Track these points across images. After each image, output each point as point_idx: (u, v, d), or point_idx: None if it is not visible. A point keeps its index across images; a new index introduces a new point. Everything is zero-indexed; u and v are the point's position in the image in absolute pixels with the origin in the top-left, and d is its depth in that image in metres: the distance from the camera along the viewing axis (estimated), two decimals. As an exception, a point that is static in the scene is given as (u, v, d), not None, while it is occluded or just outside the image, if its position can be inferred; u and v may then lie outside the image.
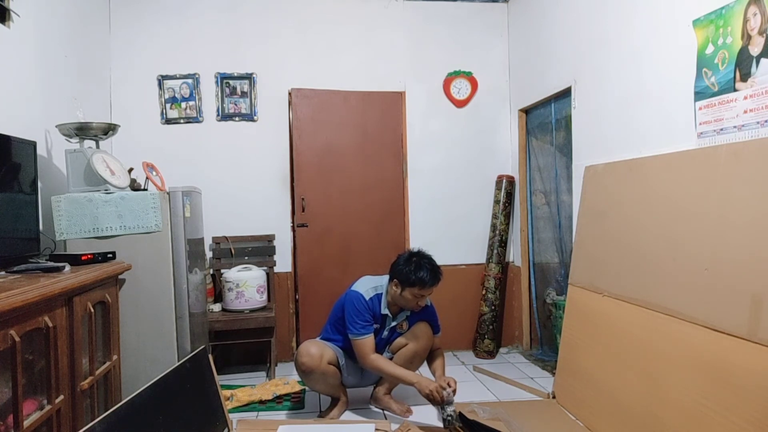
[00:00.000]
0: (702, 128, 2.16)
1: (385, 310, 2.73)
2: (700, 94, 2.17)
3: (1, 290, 1.51)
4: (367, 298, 2.69)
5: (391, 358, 2.78)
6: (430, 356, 2.87)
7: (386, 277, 2.77)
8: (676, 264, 2.14)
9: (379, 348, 2.77)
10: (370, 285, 2.76)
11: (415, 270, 2.59)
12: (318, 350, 2.67)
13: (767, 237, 1.75)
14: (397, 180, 4.05)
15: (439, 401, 2.48)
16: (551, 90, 3.48)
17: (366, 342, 2.66)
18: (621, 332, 2.43)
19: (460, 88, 4.11)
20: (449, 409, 2.47)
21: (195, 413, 2.17)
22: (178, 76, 3.78)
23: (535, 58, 3.73)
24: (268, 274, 3.73)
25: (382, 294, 2.74)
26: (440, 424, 2.64)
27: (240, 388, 3.12)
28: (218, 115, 3.84)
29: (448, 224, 4.09)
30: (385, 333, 2.78)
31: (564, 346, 2.91)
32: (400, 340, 2.79)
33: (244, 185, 3.84)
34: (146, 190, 2.82)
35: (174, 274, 2.60)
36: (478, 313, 3.99)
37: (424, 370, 2.93)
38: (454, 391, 2.50)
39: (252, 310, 3.46)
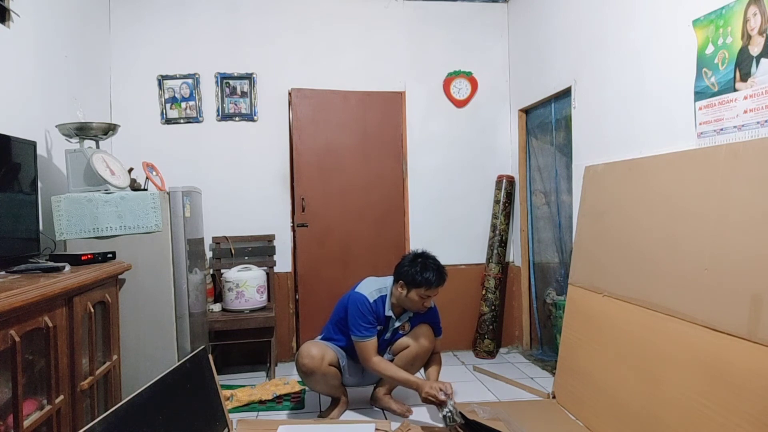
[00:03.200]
0: (702, 128, 2.16)
1: (389, 312, 2.73)
2: (700, 94, 2.17)
3: (1, 290, 1.51)
4: (371, 301, 2.69)
5: (392, 360, 2.78)
6: (428, 359, 2.87)
7: (390, 279, 2.77)
8: (676, 264, 2.14)
9: (381, 349, 2.78)
10: (374, 287, 2.75)
11: (421, 271, 2.59)
12: (319, 351, 2.67)
13: (767, 237, 1.75)
14: (397, 180, 4.05)
15: (436, 402, 2.50)
16: (551, 90, 3.48)
17: (369, 344, 2.66)
18: (621, 332, 2.43)
19: (460, 88, 4.11)
20: (446, 409, 2.48)
21: (195, 413, 2.17)
22: (178, 76, 3.78)
23: (535, 58, 3.73)
24: (268, 274, 3.73)
25: (386, 296, 2.74)
26: (440, 424, 2.65)
27: (240, 388, 3.12)
28: (218, 115, 3.84)
29: (448, 224, 4.09)
30: (388, 334, 2.78)
31: (564, 346, 2.90)
32: (401, 342, 2.79)
33: (244, 185, 3.84)
34: (146, 190, 2.82)
35: (174, 274, 2.60)
36: (478, 313, 3.99)
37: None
38: (447, 392, 2.52)
39: (252, 310, 3.46)
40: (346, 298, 2.78)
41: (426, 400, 2.55)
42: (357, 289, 2.75)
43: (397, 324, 2.77)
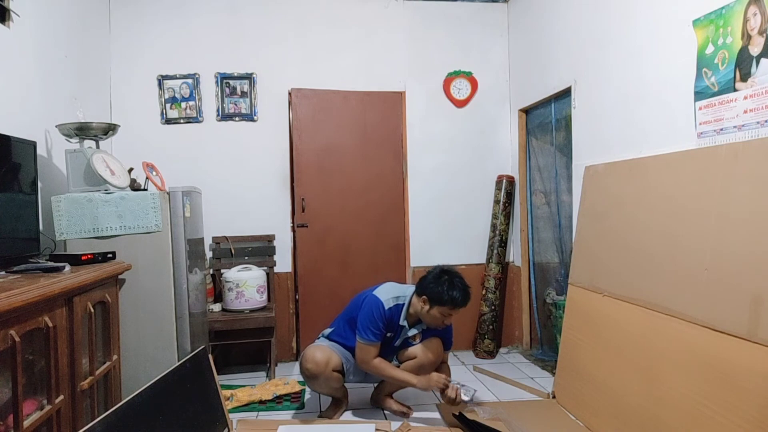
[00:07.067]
0: (702, 128, 2.16)
1: (403, 322, 2.71)
2: (700, 94, 2.17)
3: (1, 290, 1.51)
4: (386, 307, 2.66)
5: (397, 366, 2.77)
6: (437, 369, 2.86)
7: (410, 288, 2.75)
8: (676, 264, 2.14)
9: (389, 355, 2.76)
10: (392, 294, 2.72)
11: (448, 289, 2.55)
12: (324, 357, 2.65)
13: (767, 237, 1.75)
14: (397, 180, 4.04)
15: (443, 387, 2.58)
16: (551, 90, 3.48)
17: (371, 349, 2.65)
18: (621, 332, 2.43)
19: (460, 88, 4.11)
20: (466, 393, 2.58)
21: (195, 413, 2.17)
22: (178, 76, 3.78)
23: (535, 58, 3.73)
24: (268, 274, 3.73)
25: (402, 305, 2.70)
26: (441, 423, 2.65)
27: (240, 388, 3.12)
28: (218, 115, 3.84)
29: (448, 224, 4.09)
30: (398, 342, 2.76)
31: (564, 346, 2.90)
32: (410, 351, 2.76)
33: (244, 185, 3.84)
34: (146, 190, 2.81)
35: (174, 274, 2.60)
36: (478, 313, 3.99)
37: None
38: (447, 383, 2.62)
39: (252, 310, 3.46)
40: (363, 298, 2.74)
41: (434, 389, 2.64)
42: (375, 292, 2.71)
43: (409, 334, 2.75)
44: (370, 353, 2.65)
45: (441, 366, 2.85)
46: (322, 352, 2.67)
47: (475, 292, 4.01)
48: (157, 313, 2.57)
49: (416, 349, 2.75)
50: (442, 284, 2.56)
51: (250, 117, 3.87)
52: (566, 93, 3.32)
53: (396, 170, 4.04)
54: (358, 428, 2.62)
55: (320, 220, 3.89)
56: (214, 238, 3.76)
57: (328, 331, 2.88)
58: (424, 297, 2.62)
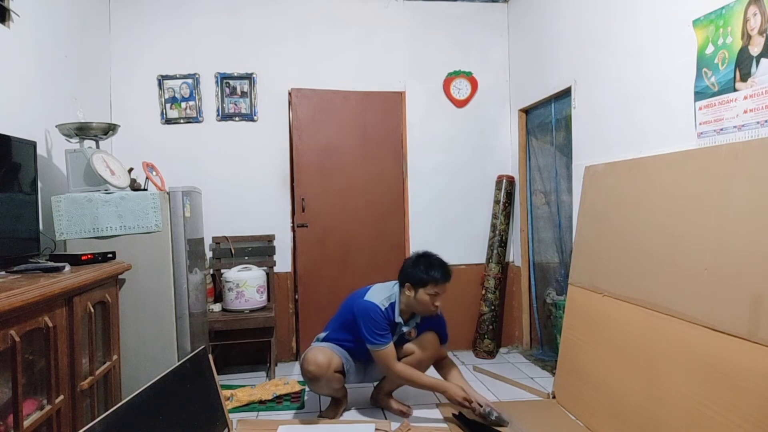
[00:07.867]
0: (702, 128, 2.16)
1: (398, 319, 2.72)
2: (700, 94, 2.17)
3: (1, 290, 1.51)
4: (383, 309, 2.66)
5: None
6: (441, 365, 2.88)
7: (396, 284, 2.76)
8: (676, 264, 2.14)
9: None
10: (383, 295, 2.72)
11: (426, 269, 2.61)
12: (326, 359, 2.64)
13: (767, 237, 1.75)
14: (397, 180, 4.05)
15: (468, 407, 2.59)
16: (551, 90, 3.48)
17: (388, 352, 2.65)
18: (621, 332, 2.43)
19: (460, 88, 4.11)
20: (494, 414, 2.59)
21: (195, 413, 2.18)
22: (178, 76, 3.78)
23: (535, 58, 3.73)
24: (268, 274, 3.73)
25: (395, 302, 2.72)
26: (441, 422, 2.65)
27: (240, 388, 3.12)
28: (218, 115, 3.84)
29: (448, 224, 4.09)
30: (394, 338, 2.77)
31: (564, 346, 2.91)
32: (407, 348, 2.78)
33: (244, 185, 3.84)
34: (146, 190, 2.81)
35: (174, 274, 2.60)
36: (478, 313, 3.99)
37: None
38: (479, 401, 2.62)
39: (252, 310, 3.46)
40: (355, 305, 2.72)
41: (461, 405, 2.62)
42: (367, 298, 2.71)
43: (404, 329, 2.76)
44: (390, 357, 2.65)
45: (444, 360, 2.87)
46: (324, 353, 2.67)
47: (475, 292, 4.03)
48: (157, 313, 2.57)
49: (413, 346, 2.77)
50: (420, 266, 2.63)
51: (250, 117, 3.87)
52: (566, 93, 3.32)
53: (396, 170, 4.04)
54: (358, 428, 2.62)
55: (320, 220, 3.89)
56: (214, 238, 3.76)
57: (322, 335, 2.87)
58: (407, 285, 2.66)
